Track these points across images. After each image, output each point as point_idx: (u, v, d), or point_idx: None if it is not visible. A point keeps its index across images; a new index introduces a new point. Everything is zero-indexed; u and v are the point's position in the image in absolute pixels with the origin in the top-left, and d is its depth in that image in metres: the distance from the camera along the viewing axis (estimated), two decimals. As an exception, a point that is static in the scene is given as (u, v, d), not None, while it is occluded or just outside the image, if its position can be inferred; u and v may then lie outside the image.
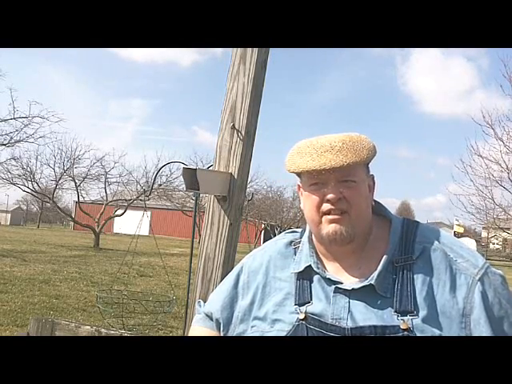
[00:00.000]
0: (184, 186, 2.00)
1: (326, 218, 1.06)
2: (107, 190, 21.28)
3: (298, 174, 1.12)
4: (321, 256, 1.13)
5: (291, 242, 1.20)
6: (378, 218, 1.15)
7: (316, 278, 1.10)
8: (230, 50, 2.14)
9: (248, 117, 2.02)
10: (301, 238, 1.19)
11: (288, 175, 1.15)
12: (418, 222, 1.14)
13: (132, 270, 10.76)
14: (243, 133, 2.01)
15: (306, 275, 1.11)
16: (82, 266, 11.93)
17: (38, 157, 19.64)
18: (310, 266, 1.11)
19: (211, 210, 2.05)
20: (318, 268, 1.10)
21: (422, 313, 0.99)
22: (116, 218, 25.23)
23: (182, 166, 2.17)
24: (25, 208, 64.00)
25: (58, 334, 2.08)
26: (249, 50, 2.04)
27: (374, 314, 1.02)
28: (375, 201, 1.15)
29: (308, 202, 1.09)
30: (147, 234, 20.61)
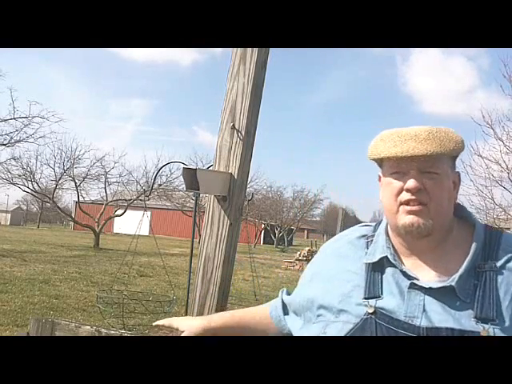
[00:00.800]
0: (184, 185, 2.00)
1: (403, 208, 1.02)
2: (107, 190, 21.29)
3: (380, 163, 1.09)
4: (397, 249, 1.09)
5: (364, 235, 1.17)
6: (461, 220, 1.10)
7: (389, 271, 1.06)
8: (229, 49, 2.14)
9: (248, 117, 2.02)
10: (374, 231, 1.16)
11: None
12: (501, 229, 1.11)
13: (132, 269, 10.76)
14: (243, 133, 2.01)
15: (378, 267, 1.08)
16: (82, 266, 11.93)
17: (38, 157, 19.67)
18: (385, 257, 1.07)
19: (211, 209, 2.05)
20: (395, 260, 1.06)
21: (505, 322, 0.95)
22: (116, 218, 25.22)
23: (182, 166, 2.18)
24: (25, 208, 63.97)
25: (58, 334, 2.08)
26: (249, 49, 2.04)
27: (451, 316, 0.97)
28: (459, 204, 1.11)
29: (387, 191, 1.05)
30: (147, 234, 20.61)
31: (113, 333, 2.09)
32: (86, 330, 2.07)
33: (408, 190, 1.01)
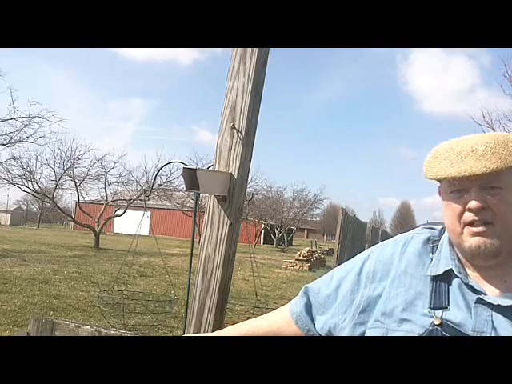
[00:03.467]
0: (184, 185, 2.00)
1: (468, 229, 0.96)
2: (107, 190, 21.28)
3: (438, 180, 1.03)
4: (462, 261, 1.03)
5: (428, 238, 1.11)
6: None
7: (455, 282, 1.01)
8: (229, 49, 2.14)
9: (248, 117, 2.02)
10: (439, 236, 1.10)
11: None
12: None
13: (132, 269, 10.76)
14: (243, 133, 2.01)
15: (443, 278, 1.02)
16: (82, 266, 11.93)
17: (38, 157, 19.64)
18: (450, 269, 1.02)
19: (211, 209, 2.05)
20: (460, 273, 1.00)
21: None
22: (116, 218, 25.23)
23: (182, 165, 2.18)
24: (25, 208, 63.97)
25: (58, 334, 2.08)
26: (249, 49, 2.04)
27: None
28: None
29: (448, 211, 1.00)
30: (147, 234, 20.60)
31: (113, 333, 2.10)
32: (85, 330, 2.07)
33: (470, 210, 0.95)
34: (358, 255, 1.20)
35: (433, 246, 1.09)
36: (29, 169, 19.44)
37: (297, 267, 16.61)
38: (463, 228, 0.97)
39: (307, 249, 19.03)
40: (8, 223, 48.25)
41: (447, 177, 0.95)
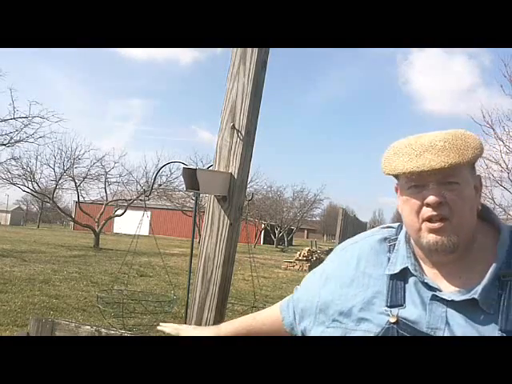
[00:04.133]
0: (184, 186, 2.00)
1: (426, 225, 0.96)
2: (107, 190, 21.29)
3: (396, 176, 1.04)
4: (418, 259, 1.04)
5: (386, 238, 1.12)
6: (485, 224, 1.04)
7: (412, 280, 1.02)
8: (229, 49, 2.14)
9: (248, 117, 2.02)
10: (397, 235, 1.11)
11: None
12: None
13: (132, 269, 10.76)
14: (243, 133, 2.01)
15: (400, 276, 1.03)
16: (82, 266, 11.93)
17: (38, 157, 19.68)
18: (406, 267, 1.03)
19: (211, 209, 2.05)
20: (416, 270, 1.02)
21: None
22: (116, 218, 25.22)
23: (182, 165, 2.17)
24: (25, 208, 63.98)
25: (58, 334, 2.08)
26: (249, 49, 2.04)
27: (475, 329, 0.93)
28: (483, 205, 1.05)
29: (406, 207, 1.00)
30: (147, 234, 20.60)
31: (113, 333, 2.09)
32: (85, 330, 2.07)
33: (428, 205, 0.95)
34: (327, 257, 1.24)
35: (390, 245, 1.10)
36: (29, 169, 19.47)
37: (297, 267, 16.60)
38: (421, 223, 0.97)
39: (307, 249, 19.02)
40: (8, 223, 48.25)
41: (406, 171, 0.95)
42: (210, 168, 2.26)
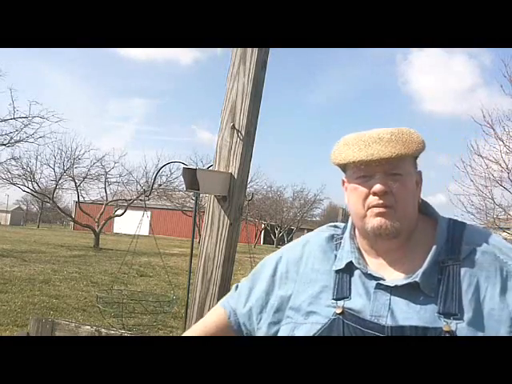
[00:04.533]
0: (184, 186, 2.00)
1: (371, 211, 1.03)
2: (107, 190, 21.30)
3: (344, 168, 1.10)
4: (363, 252, 1.11)
5: (332, 236, 1.18)
6: (424, 217, 1.12)
7: (356, 273, 1.08)
8: (230, 49, 2.14)
9: (248, 117, 2.02)
10: (342, 233, 1.17)
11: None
12: (465, 223, 1.12)
13: (132, 269, 10.76)
14: (243, 133, 2.01)
15: (346, 270, 1.10)
16: (82, 266, 11.93)
17: (38, 157, 19.69)
18: (351, 262, 1.09)
19: (211, 209, 2.05)
20: (360, 264, 1.08)
21: (467, 316, 0.97)
22: (116, 218, 25.24)
23: (182, 165, 2.18)
24: (25, 208, 64.00)
25: (58, 334, 2.08)
26: (249, 49, 2.04)
27: (415, 313, 0.99)
28: (422, 200, 1.13)
29: (354, 196, 1.07)
30: (147, 234, 20.61)
31: (113, 333, 2.10)
32: (85, 330, 2.07)
33: (375, 194, 1.02)
34: (271, 257, 1.27)
35: (336, 244, 1.16)
36: (29, 169, 19.49)
37: (297, 267, 16.56)
38: (367, 210, 1.04)
39: (307, 249, 18.97)
40: (8, 223, 48.26)
41: (355, 160, 1.02)
42: (210, 168, 2.26)
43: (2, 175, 19.00)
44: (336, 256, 1.13)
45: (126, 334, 2.08)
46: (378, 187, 1.01)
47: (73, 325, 2.11)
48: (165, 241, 26.73)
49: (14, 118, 15.57)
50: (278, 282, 1.18)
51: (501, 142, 12.40)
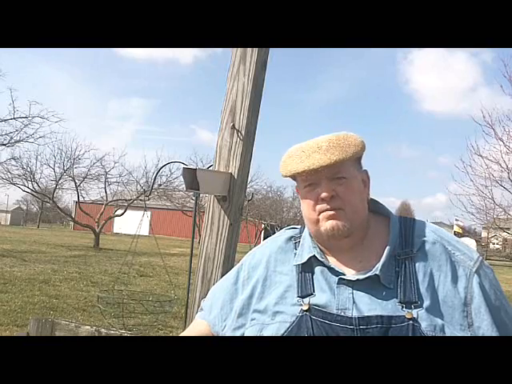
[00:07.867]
0: (184, 185, 2.00)
1: (322, 215, 1.09)
2: (107, 190, 21.29)
3: (294, 178, 1.15)
4: (322, 249, 1.15)
5: (291, 237, 1.22)
6: (376, 215, 1.18)
7: (318, 269, 1.12)
8: (229, 49, 2.14)
9: (248, 117, 2.02)
10: (301, 233, 1.21)
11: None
12: (413, 218, 1.18)
13: (132, 269, 10.76)
14: (243, 133, 2.01)
15: (307, 268, 1.13)
16: (82, 266, 11.93)
17: (38, 157, 19.69)
18: (313, 256, 1.13)
19: (211, 209, 2.05)
20: (322, 258, 1.12)
21: (426, 303, 1.03)
22: (116, 218, 25.24)
23: (182, 165, 2.18)
24: (25, 208, 64.01)
25: (57, 334, 2.09)
26: (249, 49, 2.04)
27: (378, 304, 1.04)
28: (372, 199, 1.18)
29: (305, 204, 1.12)
30: (147, 233, 20.61)
31: (113, 333, 2.10)
32: (85, 330, 2.07)
33: (323, 200, 1.08)
34: (235, 267, 1.30)
35: (295, 243, 1.21)
36: (29, 169, 19.49)
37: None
38: (318, 215, 1.10)
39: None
40: (8, 223, 48.27)
41: (298, 171, 1.08)
42: (210, 168, 2.26)
43: (2, 175, 19.03)
44: (295, 254, 1.17)
45: (125, 334, 2.09)
46: (324, 194, 1.07)
47: (73, 325, 2.11)
48: (165, 241, 26.74)
49: (14, 118, 15.58)
50: (240, 289, 1.22)
51: (501, 142, 12.41)
